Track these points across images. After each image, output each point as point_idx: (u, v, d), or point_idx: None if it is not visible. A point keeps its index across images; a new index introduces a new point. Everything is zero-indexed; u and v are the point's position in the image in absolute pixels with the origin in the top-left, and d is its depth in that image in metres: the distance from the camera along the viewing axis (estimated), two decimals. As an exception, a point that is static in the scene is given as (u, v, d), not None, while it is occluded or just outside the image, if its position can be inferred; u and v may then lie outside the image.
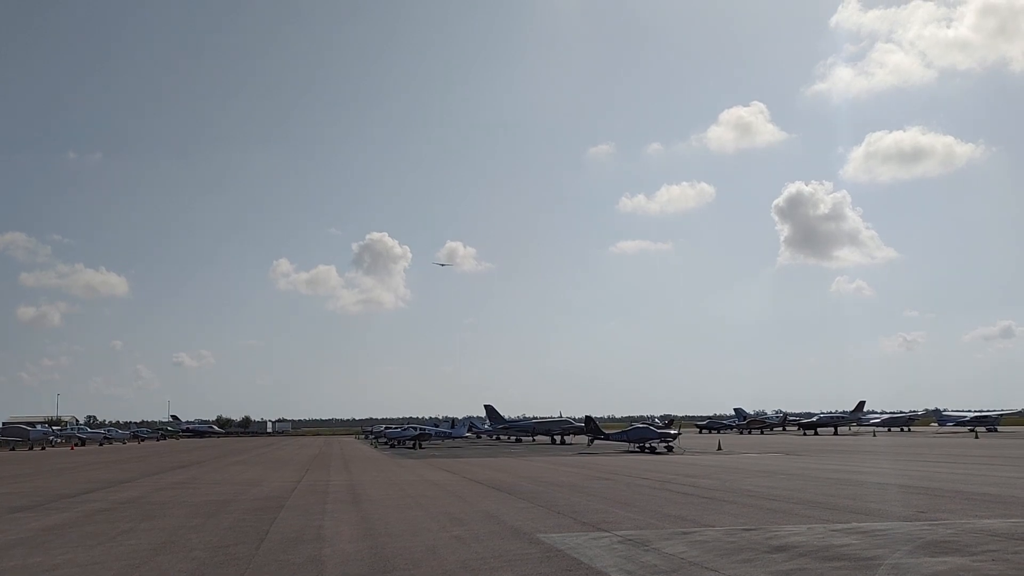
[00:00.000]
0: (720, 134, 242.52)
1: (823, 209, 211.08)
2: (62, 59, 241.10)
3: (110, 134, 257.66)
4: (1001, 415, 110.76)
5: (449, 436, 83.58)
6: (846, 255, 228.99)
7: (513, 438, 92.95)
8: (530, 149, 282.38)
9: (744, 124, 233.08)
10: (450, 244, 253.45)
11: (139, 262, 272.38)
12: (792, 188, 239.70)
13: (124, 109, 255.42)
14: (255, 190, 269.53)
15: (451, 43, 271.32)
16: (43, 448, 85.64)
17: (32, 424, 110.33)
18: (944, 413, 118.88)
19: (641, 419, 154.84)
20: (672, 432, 63.04)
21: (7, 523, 20.44)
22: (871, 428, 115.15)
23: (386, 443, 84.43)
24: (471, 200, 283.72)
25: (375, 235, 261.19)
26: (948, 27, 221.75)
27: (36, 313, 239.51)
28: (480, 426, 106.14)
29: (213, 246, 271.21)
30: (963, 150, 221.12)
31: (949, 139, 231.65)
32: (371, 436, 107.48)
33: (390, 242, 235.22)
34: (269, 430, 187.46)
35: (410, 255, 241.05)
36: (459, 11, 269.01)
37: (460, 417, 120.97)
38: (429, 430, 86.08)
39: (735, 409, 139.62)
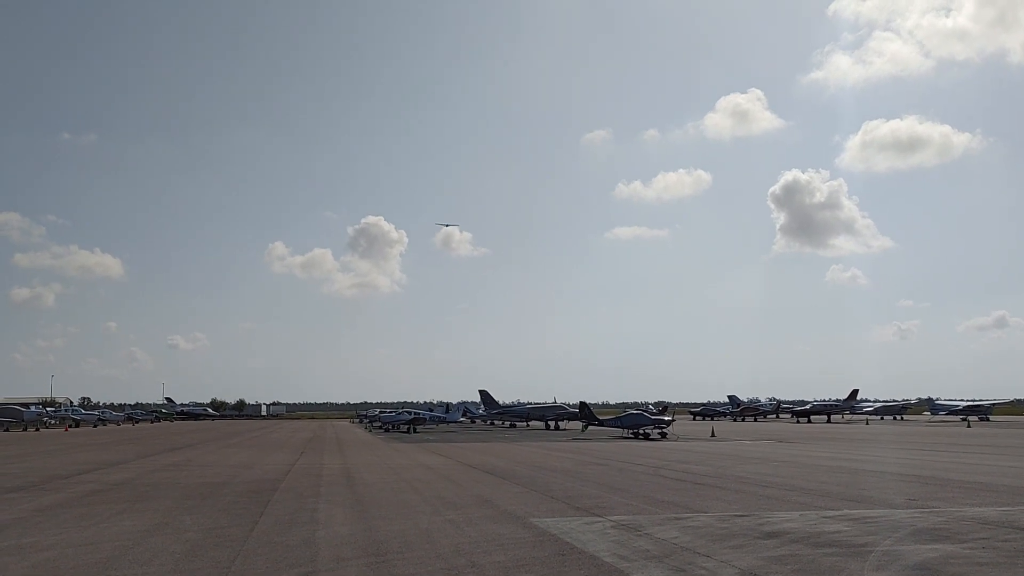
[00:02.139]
0: (717, 121, 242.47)
1: (819, 197, 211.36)
2: (56, 40, 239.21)
3: (105, 115, 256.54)
4: (993, 404, 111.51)
5: (443, 421, 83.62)
6: (842, 244, 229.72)
7: (507, 423, 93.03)
8: (527, 134, 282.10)
9: (741, 111, 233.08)
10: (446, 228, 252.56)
11: (134, 244, 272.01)
12: (788, 176, 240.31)
13: (119, 90, 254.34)
14: (251, 173, 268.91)
15: (448, 27, 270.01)
16: (37, 429, 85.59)
17: (26, 405, 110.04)
18: (937, 402, 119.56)
19: (635, 405, 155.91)
20: (666, 419, 63.24)
21: (0, 504, 20.42)
22: (864, 416, 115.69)
23: (380, 427, 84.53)
24: (467, 185, 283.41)
25: (371, 219, 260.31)
26: (947, 16, 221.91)
27: (30, 294, 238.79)
28: (475, 411, 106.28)
29: (208, 229, 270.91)
30: (960, 140, 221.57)
31: (946, 128, 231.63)
32: (366, 420, 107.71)
33: (386, 226, 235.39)
34: (263, 413, 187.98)
35: (406, 239, 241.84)
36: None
37: (455, 402, 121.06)
38: (423, 414, 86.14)
39: (729, 396, 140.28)
